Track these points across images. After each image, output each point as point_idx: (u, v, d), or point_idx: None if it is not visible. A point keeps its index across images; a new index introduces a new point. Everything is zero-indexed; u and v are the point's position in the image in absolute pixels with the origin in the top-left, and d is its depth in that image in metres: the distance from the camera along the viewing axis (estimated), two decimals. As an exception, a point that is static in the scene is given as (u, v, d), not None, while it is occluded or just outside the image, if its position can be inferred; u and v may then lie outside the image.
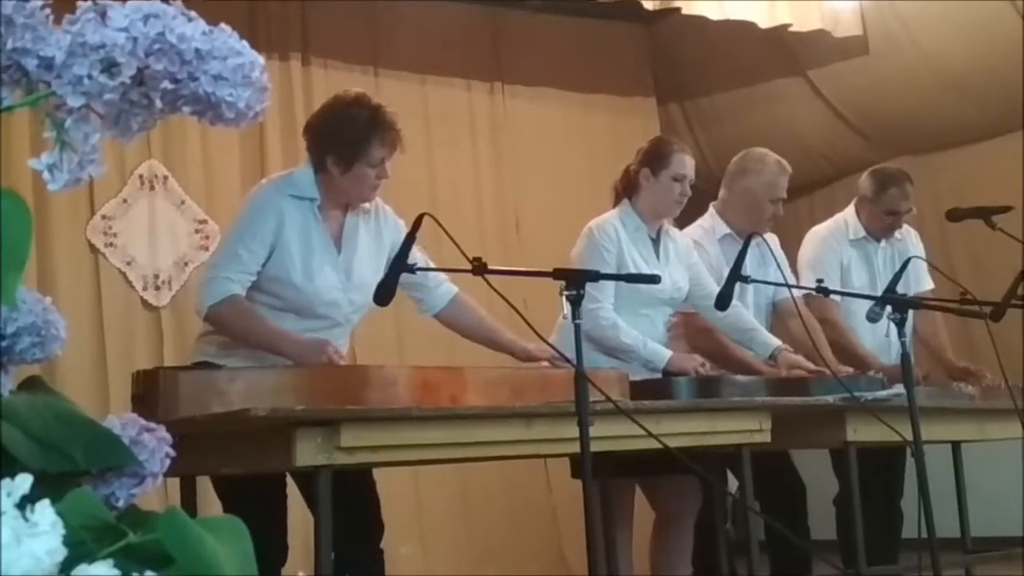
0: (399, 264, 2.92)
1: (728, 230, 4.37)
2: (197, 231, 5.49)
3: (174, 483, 3.15)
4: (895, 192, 4.59)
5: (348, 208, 3.28)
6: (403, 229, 3.30)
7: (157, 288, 5.43)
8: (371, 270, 3.27)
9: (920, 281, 4.72)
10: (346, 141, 3.15)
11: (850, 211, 4.73)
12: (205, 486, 3.18)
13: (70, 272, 5.22)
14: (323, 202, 3.21)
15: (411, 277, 3.15)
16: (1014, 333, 4.77)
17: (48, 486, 0.87)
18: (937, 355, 4.76)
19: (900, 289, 3.49)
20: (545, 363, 3.32)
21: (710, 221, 4.43)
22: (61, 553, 0.78)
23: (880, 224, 4.64)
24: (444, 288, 3.46)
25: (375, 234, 3.32)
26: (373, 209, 3.33)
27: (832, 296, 4.20)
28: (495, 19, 6.70)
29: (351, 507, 2.66)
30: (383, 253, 3.33)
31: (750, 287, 4.22)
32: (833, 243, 4.66)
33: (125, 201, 5.41)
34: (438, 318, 3.51)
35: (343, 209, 3.27)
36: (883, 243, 4.69)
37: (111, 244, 5.35)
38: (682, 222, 4.41)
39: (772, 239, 4.50)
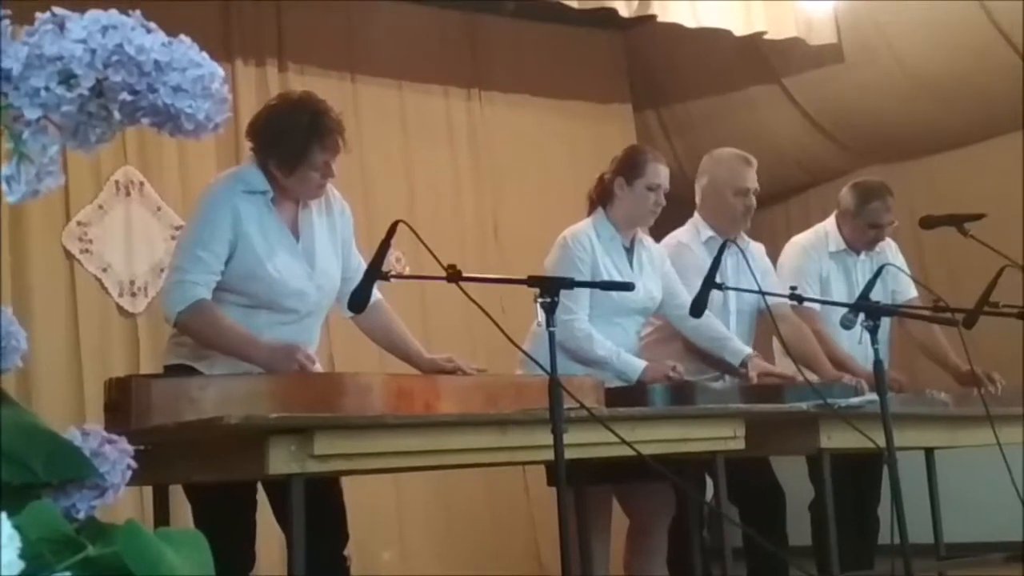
0: (373, 271, 2.91)
1: (711, 232, 4.36)
2: (173, 237, 5.44)
3: (149, 491, 3.14)
4: (877, 205, 4.57)
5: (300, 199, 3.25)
6: (351, 218, 3.36)
7: (133, 295, 5.41)
8: (331, 256, 3.26)
9: (906, 291, 4.71)
10: (286, 147, 3.11)
11: (831, 223, 4.70)
12: (178, 495, 3.17)
13: (45, 278, 5.19)
14: (275, 194, 3.17)
15: (343, 275, 3.24)
16: (989, 339, 4.78)
17: (8, 498, 0.86)
18: (941, 362, 4.69)
19: (882, 300, 3.49)
20: (452, 371, 3.24)
21: (694, 224, 4.43)
22: (18, 566, 0.77)
23: (863, 237, 4.62)
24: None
25: (329, 221, 3.29)
26: (325, 196, 3.29)
27: (811, 305, 4.20)
28: (472, 25, 6.71)
29: (315, 515, 2.65)
30: (337, 240, 3.30)
31: (732, 294, 4.22)
32: (812, 254, 4.64)
33: (101, 207, 5.39)
34: (354, 319, 3.40)
35: (295, 200, 3.23)
36: (863, 256, 4.67)
37: (87, 250, 5.32)
38: (660, 230, 4.41)
39: (758, 248, 4.51)
